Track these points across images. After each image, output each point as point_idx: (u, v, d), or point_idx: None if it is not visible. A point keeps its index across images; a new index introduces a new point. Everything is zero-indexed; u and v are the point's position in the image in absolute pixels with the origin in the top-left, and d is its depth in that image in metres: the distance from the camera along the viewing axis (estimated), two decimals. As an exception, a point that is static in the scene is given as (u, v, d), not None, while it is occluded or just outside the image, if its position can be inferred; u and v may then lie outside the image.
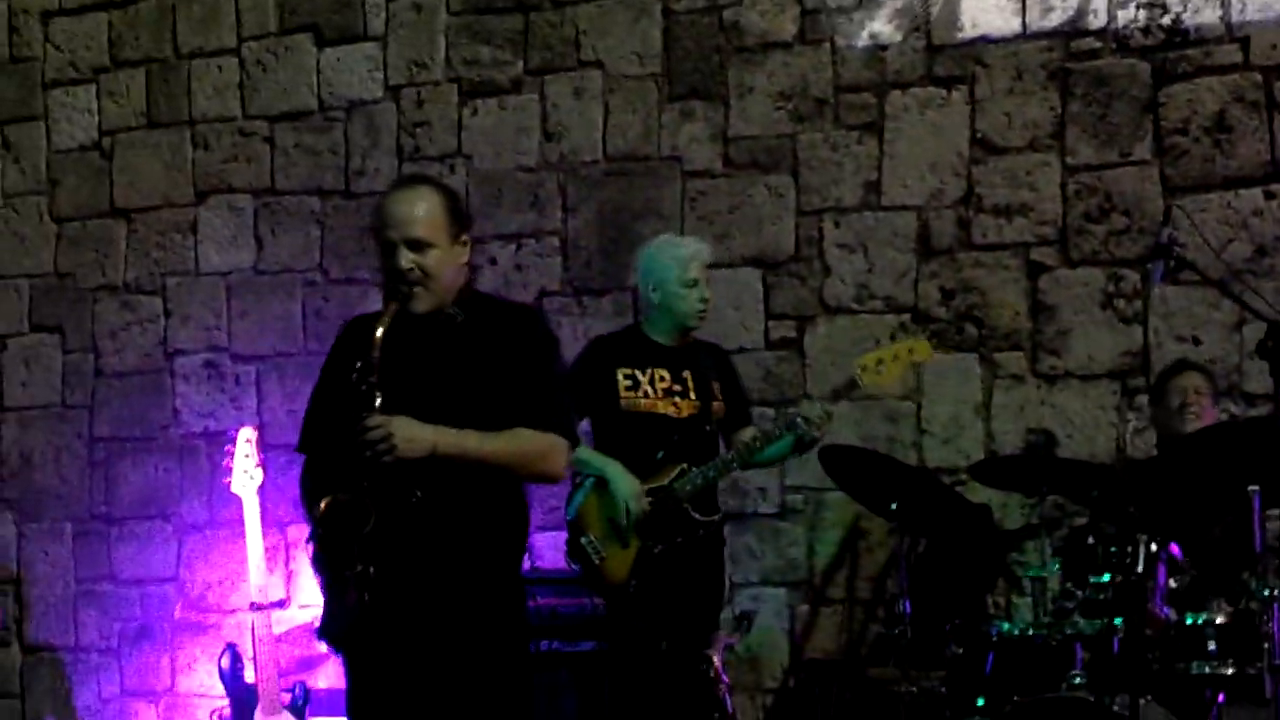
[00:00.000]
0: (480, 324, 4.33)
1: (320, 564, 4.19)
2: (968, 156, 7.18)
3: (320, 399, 4.46)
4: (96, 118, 8.41)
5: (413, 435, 4.07)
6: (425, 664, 4.17)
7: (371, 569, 4.05)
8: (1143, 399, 6.83)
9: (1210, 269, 6.33)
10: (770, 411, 6.71)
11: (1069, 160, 7.05)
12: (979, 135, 7.17)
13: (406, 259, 4.23)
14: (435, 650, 4.16)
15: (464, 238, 4.37)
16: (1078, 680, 5.43)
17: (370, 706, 4.25)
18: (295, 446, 4.54)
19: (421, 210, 4.26)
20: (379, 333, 4.15)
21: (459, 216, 4.37)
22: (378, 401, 4.10)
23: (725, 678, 5.79)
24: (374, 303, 7.73)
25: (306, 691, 6.71)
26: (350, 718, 4.32)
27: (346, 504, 4.07)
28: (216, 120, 8.21)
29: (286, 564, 7.84)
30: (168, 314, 8.21)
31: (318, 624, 4.28)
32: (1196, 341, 6.83)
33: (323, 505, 4.13)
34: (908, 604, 5.97)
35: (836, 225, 7.33)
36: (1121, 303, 6.95)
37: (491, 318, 4.37)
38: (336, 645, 4.28)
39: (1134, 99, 6.97)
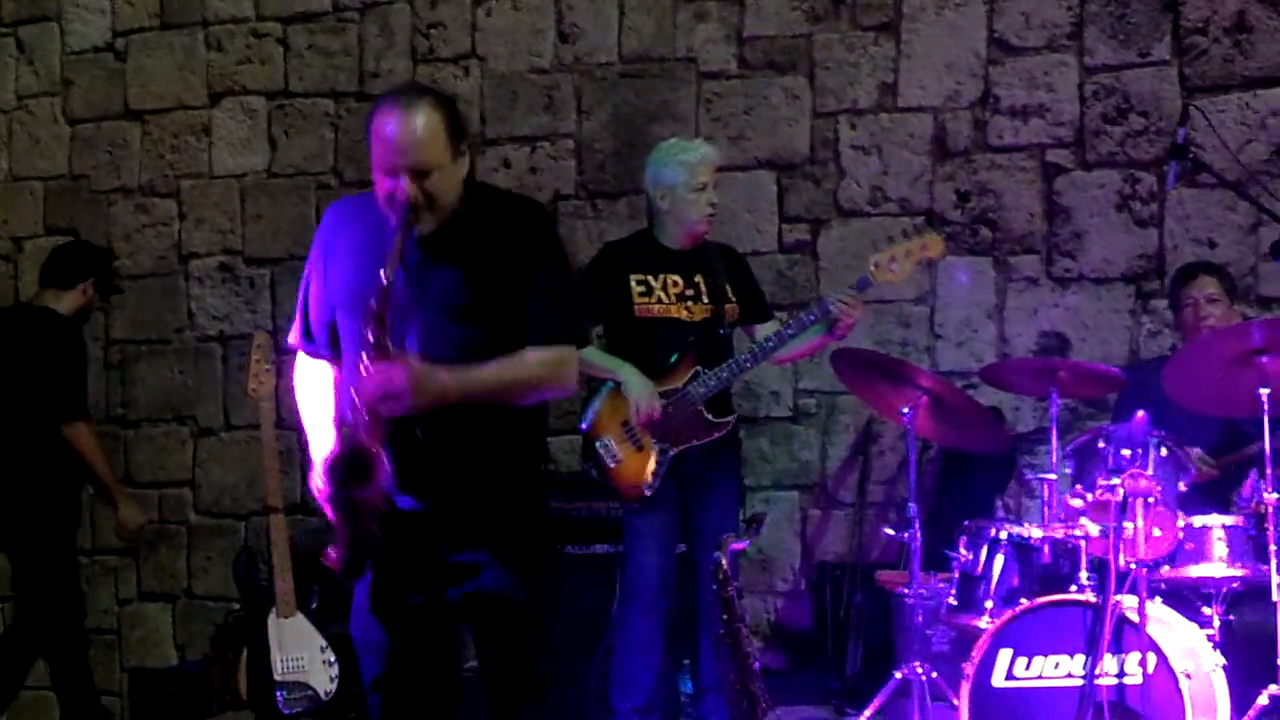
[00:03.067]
0: (482, 224, 4.14)
1: (332, 507, 4.09)
2: (985, 57, 7.12)
3: (313, 292, 4.28)
4: (110, 18, 8.36)
5: (427, 386, 3.89)
6: (447, 577, 4.12)
7: (383, 508, 3.97)
8: (1157, 302, 6.80)
9: (1227, 171, 6.29)
10: (784, 315, 6.67)
11: (1087, 60, 6.99)
12: (996, 35, 7.10)
13: (411, 188, 3.99)
14: (458, 566, 4.10)
15: (463, 148, 4.12)
16: (1087, 583, 5.44)
17: (385, 614, 4.18)
18: (288, 338, 4.43)
19: (423, 133, 3.99)
20: (386, 281, 3.91)
21: (459, 129, 4.10)
22: (383, 338, 3.91)
23: (736, 580, 5.79)
24: (387, 205, 7.74)
25: (321, 594, 6.73)
26: (357, 625, 4.27)
27: (352, 455, 3.95)
28: (230, 21, 8.16)
29: (300, 467, 7.87)
30: (182, 216, 8.20)
31: (336, 563, 4.16)
32: (1212, 244, 6.80)
33: (326, 459, 3.99)
34: (917, 507, 5.98)
35: (852, 127, 7.29)
36: (1137, 205, 6.91)
37: (494, 216, 4.17)
38: (356, 578, 4.20)
39: (1153, -2, 6.91)
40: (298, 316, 4.38)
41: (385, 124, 4.02)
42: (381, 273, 3.94)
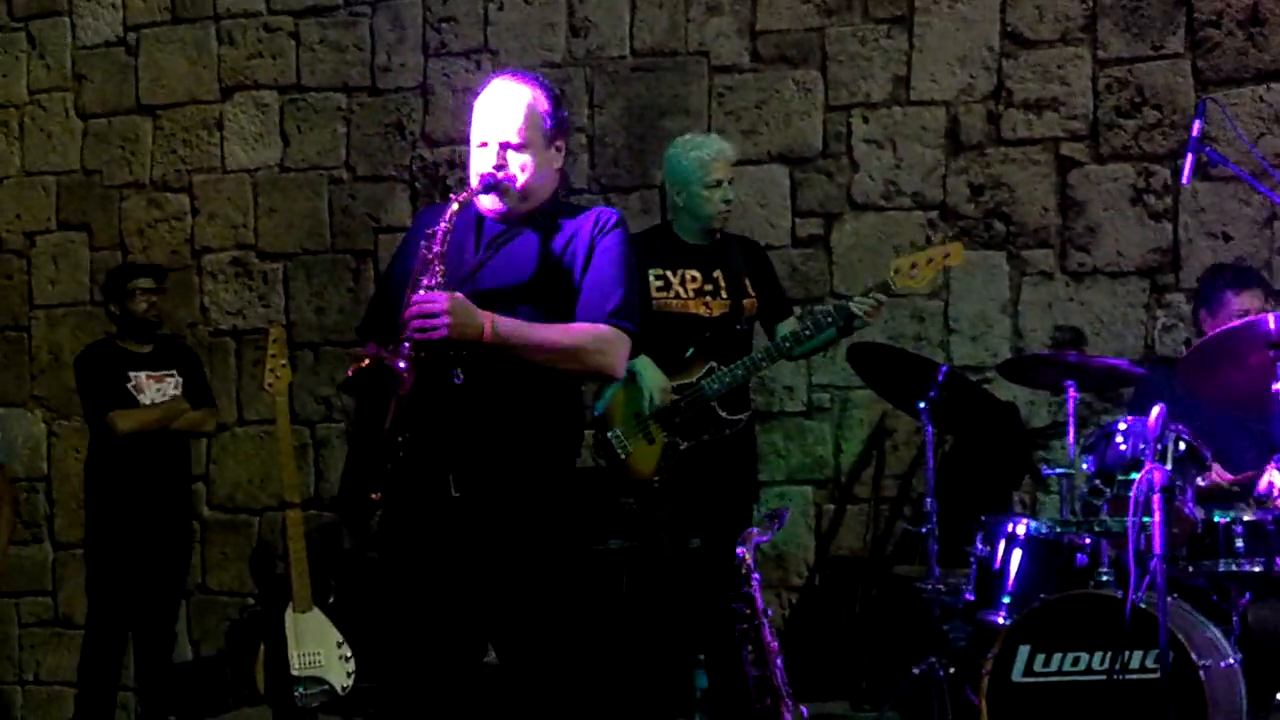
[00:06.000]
0: (558, 225, 4.21)
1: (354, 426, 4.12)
2: (998, 50, 7.11)
3: (385, 286, 4.37)
4: (121, 13, 8.35)
5: (466, 317, 3.95)
6: (456, 557, 4.11)
7: (401, 438, 3.97)
8: (1172, 296, 6.80)
9: (1242, 163, 6.28)
10: (798, 310, 6.67)
11: (1100, 53, 6.98)
12: (1009, 28, 7.09)
13: (497, 157, 4.12)
14: (472, 541, 4.09)
15: (560, 143, 4.24)
16: (1105, 578, 5.45)
17: (405, 593, 4.19)
18: (356, 328, 4.49)
19: (519, 109, 4.14)
20: (454, 207, 4.06)
21: (558, 120, 4.22)
22: (440, 276, 4.01)
23: (756, 574, 5.81)
24: (400, 200, 7.81)
25: (338, 589, 6.74)
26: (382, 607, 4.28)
27: (380, 366, 3.96)
28: (241, 15, 8.16)
29: (315, 462, 7.88)
30: (194, 211, 8.20)
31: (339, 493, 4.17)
32: (1227, 238, 6.79)
33: (355, 366, 4.01)
34: (934, 502, 5.98)
35: (865, 121, 7.28)
36: (1152, 198, 6.90)
37: (571, 219, 4.24)
38: (351, 512, 4.19)
39: (1167, -9, 6.91)
40: (368, 309, 4.50)
41: (486, 95, 4.19)
42: (452, 206, 4.05)
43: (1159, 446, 5.41)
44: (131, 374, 7.05)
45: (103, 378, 7.03)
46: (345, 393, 4.16)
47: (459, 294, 3.99)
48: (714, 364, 6.00)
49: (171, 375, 7.14)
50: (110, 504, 6.96)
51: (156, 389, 7.07)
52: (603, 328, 4.14)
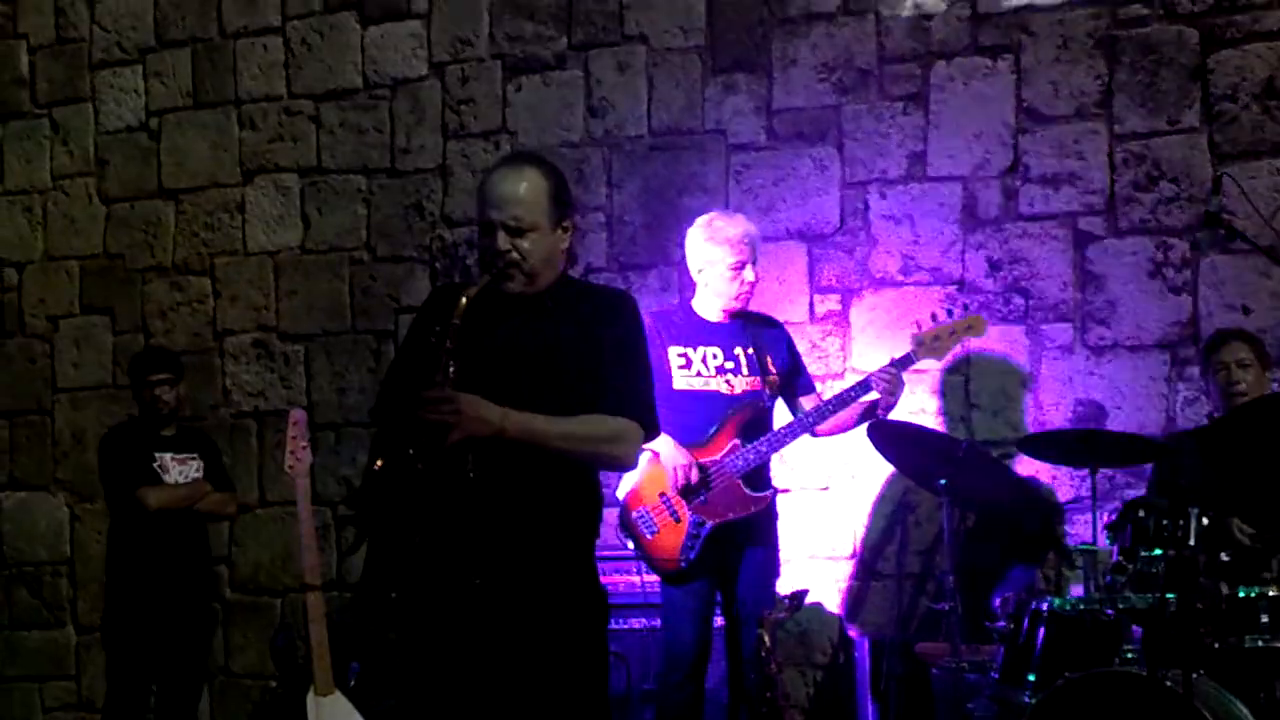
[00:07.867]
0: (569, 309, 4.24)
1: (369, 528, 4.12)
2: (1014, 126, 7.14)
3: (398, 368, 4.39)
4: (143, 98, 8.44)
5: (479, 414, 3.97)
6: (479, 647, 4.11)
7: (419, 539, 4.01)
8: (1193, 370, 6.79)
9: (1260, 237, 6.29)
10: (819, 386, 6.67)
11: (1116, 128, 7.00)
12: (1025, 104, 7.12)
13: (504, 240, 4.15)
14: (491, 635, 4.10)
15: (566, 223, 4.27)
16: (1130, 655, 5.41)
17: (425, 688, 4.19)
18: (369, 411, 4.51)
19: (524, 191, 4.17)
20: (463, 301, 4.06)
21: (563, 201, 4.26)
22: (451, 371, 4.01)
23: (777, 654, 5.79)
24: (420, 280, 7.82)
25: (359, 671, 6.72)
26: (403, 697, 4.27)
27: (398, 468, 3.98)
28: (262, 99, 8.24)
29: (337, 543, 7.88)
30: (216, 294, 8.25)
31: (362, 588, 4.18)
32: (1246, 310, 6.79)
33: (374, 467, 4.05)
34: (956, 579, 5.96)
35: (882, 197, 7.30)
36: (1170, 272, 6.90)
37: (582, 303, 4.27)
38: (375, 615, 4.20)
39: (1182, 66, 6.92)
40: (380, 393, 4.50)
41: (490, 180, 4.22)
42: (461, 300, 4.05)
43: (1182, 522, 5.40)
44: (157, 454, 7.07)
45: (128, 457, 7.02)
46: (362, 499, 4.14)
47: (473, 396, 3.98)
48: (738, 441, 6.00)
49: (194, 458, 7.16)
50: (132, 587, 6.94)
51: (179, 470, 7.08)
52: (616, 420, 4.16)
